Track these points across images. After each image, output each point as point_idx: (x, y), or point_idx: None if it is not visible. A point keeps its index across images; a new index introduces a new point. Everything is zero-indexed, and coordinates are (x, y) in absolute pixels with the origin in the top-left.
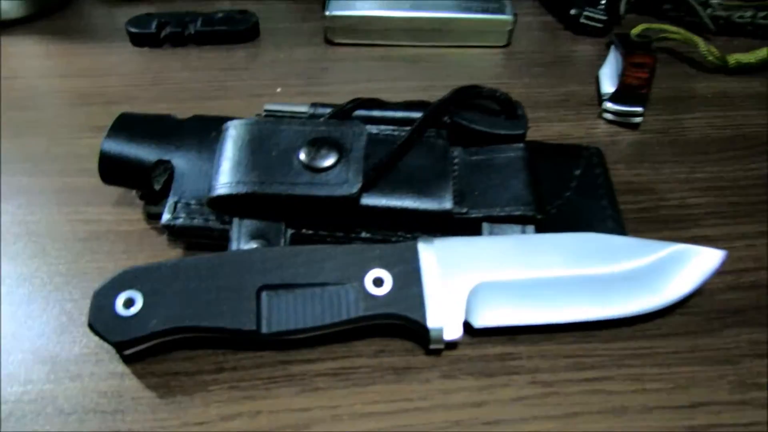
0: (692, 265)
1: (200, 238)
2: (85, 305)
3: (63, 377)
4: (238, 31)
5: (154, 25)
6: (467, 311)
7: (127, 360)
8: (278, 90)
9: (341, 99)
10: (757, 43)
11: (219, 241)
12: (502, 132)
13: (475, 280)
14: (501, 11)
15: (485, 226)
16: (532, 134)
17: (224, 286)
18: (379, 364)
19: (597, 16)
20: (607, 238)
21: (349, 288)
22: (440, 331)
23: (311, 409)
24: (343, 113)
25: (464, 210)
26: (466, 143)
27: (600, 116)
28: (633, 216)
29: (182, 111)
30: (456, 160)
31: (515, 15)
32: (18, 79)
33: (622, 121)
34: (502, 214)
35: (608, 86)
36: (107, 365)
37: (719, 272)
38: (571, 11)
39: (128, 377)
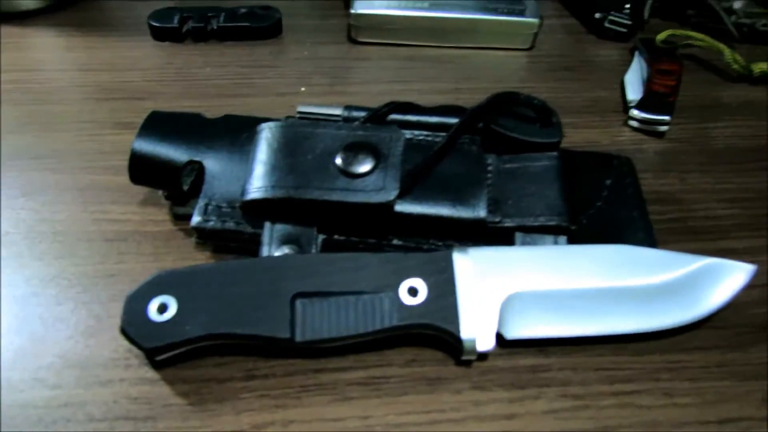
0: (723, 280)
1: (230, 241)
2: (113, 308)
3: (93, 382)
4: (261, 27)
5: (176, 19)
6: (500, 322)
7: (157, 365)
8: (302, 89)
9: (367, 100)
10: None
11: (249, 244)
12: (537, 140)
13: (509, 290)
14: (527, 14)
15: (518, 235)
16: None
17: (258, 293)
18: (410, 373)
19: (621, 20)
20: (638, 250)
21: (384, 297)
22: (473, 342)
23: (344, 419)
24: (378, 117)
25: (498, 219)
26: (500, 150)
27: (625, 123)
28: (661, 227)
29: (207, 108)
30: (490, 168)
31: (541, 18)
32: (39, 71)
33: (648, 129)
34: (536, 224)
35: (633, 93)
36: (137, 370)
37: (748, 286)
38: (595, 15)
39: (159, 383)
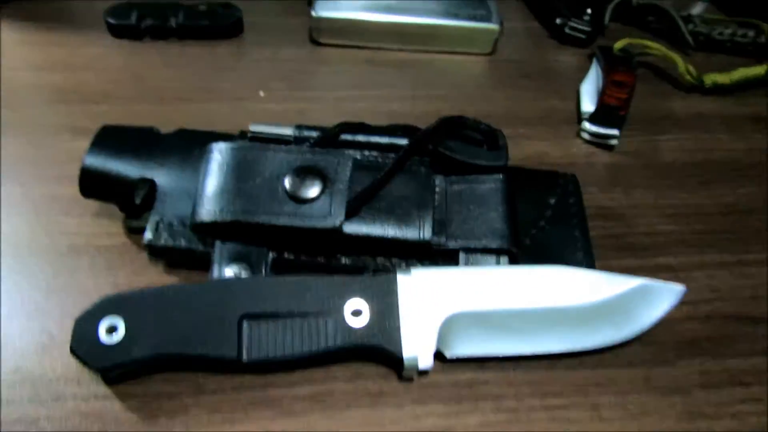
0: (654, 301)
1: (182, 258)
2: (66, 324)
3: (45, 398)
4: (222, 26)
5: (134, 16)
6: (440, 340)
7: (110, 381)
8: (261, 94)
9: (325, 107)
10: (735, 60)
11: (200, 261)
12: (483, 163)
13: (449, 311)
14: (488, 19)
15: (462, 255)
16: (511, 152)
17: (206, 315)
18: (354, 389)
19: (581, 27)
20: (575, 272)
21: (329, 319)
22: (414, 361)
23: None
24: (329, 138)
25: (443, 241)
26: (448, 171)
27: (578, 135)
28: (602, 242)
29: (164, 113)
30: (437, 189)
31: (502, 24)
32: None
33: (599, 142)
34: (479, 246)
35: (588, 104)
36: (89, 386)
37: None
38: (556, 20)
39: (111, 399)
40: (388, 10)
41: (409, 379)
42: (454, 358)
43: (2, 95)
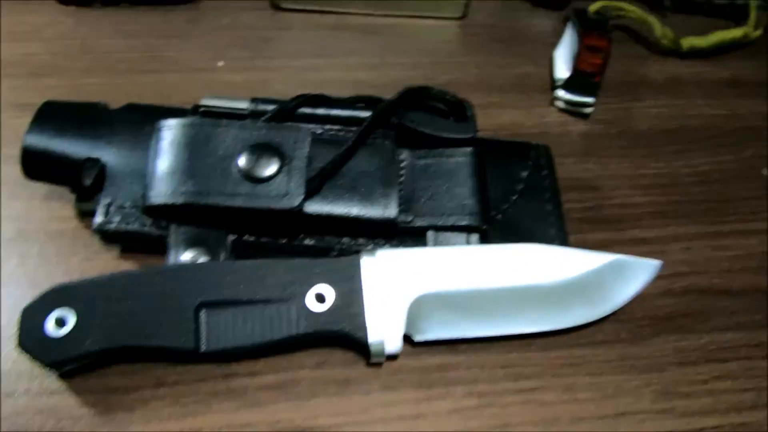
0: (629, 277)
1: (136, 242)
2: (15, 315)
3: None
4: None
5: None
6: (409, 323)
7: (63, 375)
8: (220, 64)
9: (289, 76)
10: (712, 22)
11: (156, 245)
12: (451, 136)
13: (416, 292)
14: None
15: (430, 234)
16: (483, 122)
17: (161, 304)
18: (320, 376)
19: None
20: (547, 249)
21: (291, 305)
22: (381, 345)
23: (253, 424)
24: (286, 112)
25: (409, 219)
26: (414, 145)
27: (552, 104)
28: (576, 216)
29: (115, 87)
30: (403, 164)
31: None
32: None
33: (573, 110)
34: (448, 223)
35: (562, 71)
36: (42, 381)
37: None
38: None
39: (65, 394)
40: None
41: (377, 365)
42: (424, 341)
43: None
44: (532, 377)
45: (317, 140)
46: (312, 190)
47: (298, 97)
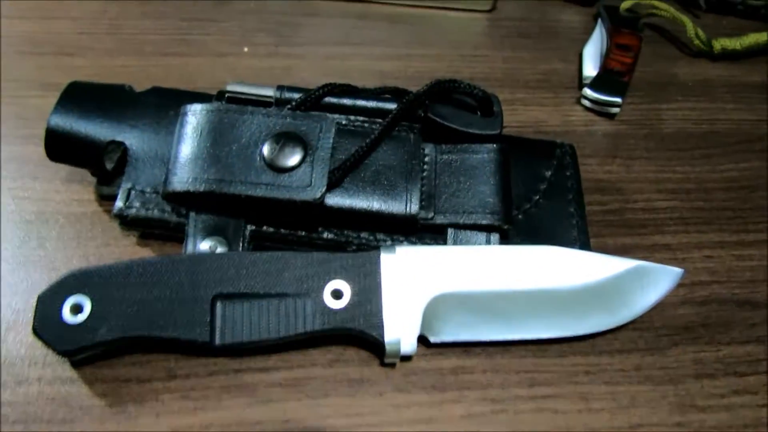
0: (650, 284)
1: (155, 228)
2: (32, 299)
3: (8, 381)
4: None
5: None
6: (424, 324)
7: (76, 364)
8: (245, 49)
9: (314, 63)
10: (746, 24)
11: (175, 232)
12: (476, 131)
13: (434, 292)
14: None
15: (450, 232)
16: (507, 118)
17: (177, 294)
18: (333, 374)
19: None
20: (568, 252)
21: (307, 300)
22: (397, 345)
23: (263, 422)
24: (312, 101)
25: (430, 215)
26: (439, 139)
27: (578, 101)
28: (598, 218)
29: (140, 68)
30: (426, 158)
31: None
32: None
33: (600, 110)
34: (469, 222)
35: (590, 68)
36: (54, 369)
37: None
38: None
39: (77, 383)
40: None
41: (391, 365)
42: (439, 342)
43: None
44: (546, 384)
45: (341, 131)
46: (334, 182)
47: (324, 86)
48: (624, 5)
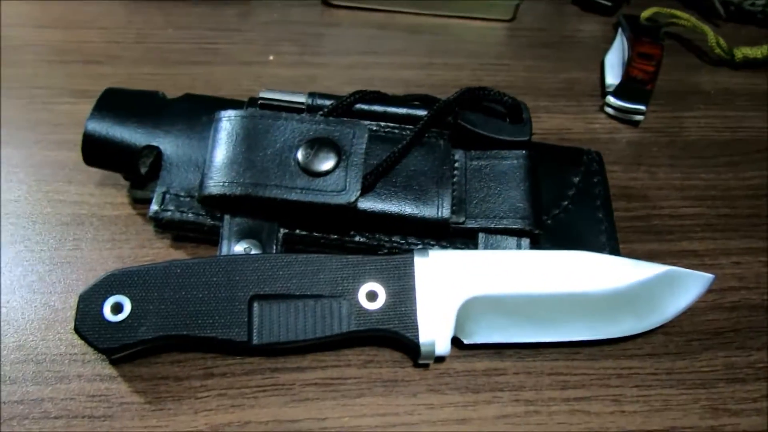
0: (680, 289)
1: (189, 231)
2: (69, 298)
3: (50, 378)
4: None
5: None
6: (457, 326)
7: (115, 362)
8: (270, 58)
9: (337, 72)
10: (765, 32)
11: (209, 235)
12: (506, 138)
13: (467, 294)
14: None
15: (481, 236)
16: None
17: (215, 295)
18: (368, 375)
19: None
20: (598, 257)
21: (343, 302)
22: (432, 347)
23: (300, 421)
24: (343, 107)
25: (461, 220)
26: (468, 145)
27: (601, 109)
28: (625, 225)
29: (167, 77)
30: (456, 164)
31: None
32: None
33: (624, 117)
34: (499, 226)
35: (612, 77)
36: (94, 366)
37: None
38: None
39: (116, 380)
40: None
41: (425, 366)
42: (471, 344)
43: (3, 53)
44: (579, 387)
45: (372, 137)
46: (367, 187)
47: (355, 93)
48: (644, 14)
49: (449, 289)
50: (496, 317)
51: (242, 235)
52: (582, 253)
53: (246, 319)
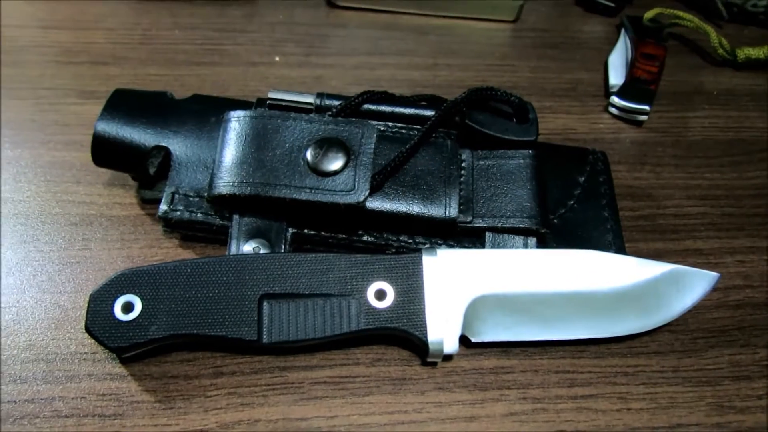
0: (686, 288)
1: (198, 231)
2: (79, 298)
3: (60, 377)
4: None
5: None
6: (465, 324)
7: (125, 361)
8: (277, 59)
9: (344, 73)
10: (767, 33)
11: (217, 235)
12: (512, 138)
13: (475, 293)
14: None
15: (488, 235)
16: None
17: (224, 294)
18: (376, 373)
19: None
20: (604, 256)
21: (352, 300)
22: (440, 345)
23: (309, 419)
24: (351, 107)
25: (468, 219)
26: (475, 145)
27: (605, 109)
28: (630, 224)
29: (174, 77)
30: (464, 164)
31: None
32: None
33: (628, 117)
34: (506, 225)
35: (616, 77)
36: (104, 365)
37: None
38: None
39: (126, 379)
40: None
41: (433, 365)
42: (479, 342)
43: (6, 55)
44: (586, 384)
45: (380, 137)
46: (376, 186)
47: (363, 93)
48: (647, 15)
49: (457, 287)
50: (503, 316)
51: (251, 235)
52: (588, 252)
53: (256, 318)
